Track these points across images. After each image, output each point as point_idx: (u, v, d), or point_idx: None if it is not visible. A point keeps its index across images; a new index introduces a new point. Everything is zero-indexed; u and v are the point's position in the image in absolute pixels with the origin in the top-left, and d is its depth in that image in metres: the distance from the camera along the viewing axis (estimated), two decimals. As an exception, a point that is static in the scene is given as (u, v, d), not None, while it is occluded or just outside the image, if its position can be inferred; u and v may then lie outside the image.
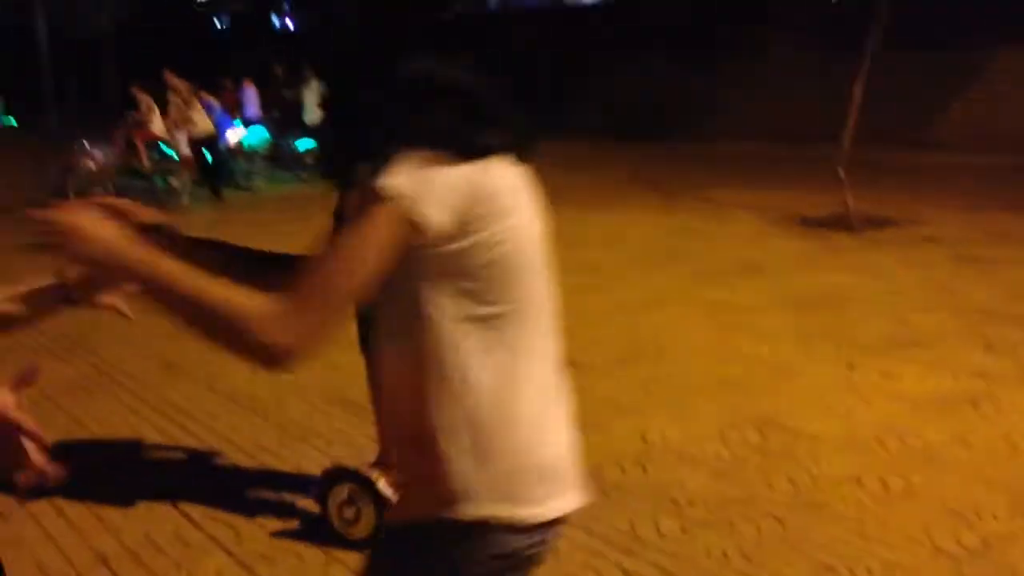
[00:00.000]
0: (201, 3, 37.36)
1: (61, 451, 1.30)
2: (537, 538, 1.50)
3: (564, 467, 1.55)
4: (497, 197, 1.46)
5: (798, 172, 12.55)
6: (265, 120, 13.84)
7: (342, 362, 5.31)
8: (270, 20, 36.85)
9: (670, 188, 12.22)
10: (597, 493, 3.30)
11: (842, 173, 9.14)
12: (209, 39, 31.58)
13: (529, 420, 1.50)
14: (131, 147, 12.23)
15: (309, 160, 13.34)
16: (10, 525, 3.65)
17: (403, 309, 1.47)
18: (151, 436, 4.58)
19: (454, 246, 1.42)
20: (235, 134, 12.89)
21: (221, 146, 12.35)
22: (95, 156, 11.78)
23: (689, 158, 15.48)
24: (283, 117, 14.03)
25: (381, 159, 1.39)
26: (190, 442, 4.48)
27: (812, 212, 9.68)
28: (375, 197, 1.36)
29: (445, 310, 1.45)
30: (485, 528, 1.45)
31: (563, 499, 1.53)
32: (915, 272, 7.31)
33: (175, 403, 5.00)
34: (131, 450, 4.46)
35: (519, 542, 1.48)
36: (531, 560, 1.53)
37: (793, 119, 15.42)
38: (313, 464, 4.08)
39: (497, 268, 1.46)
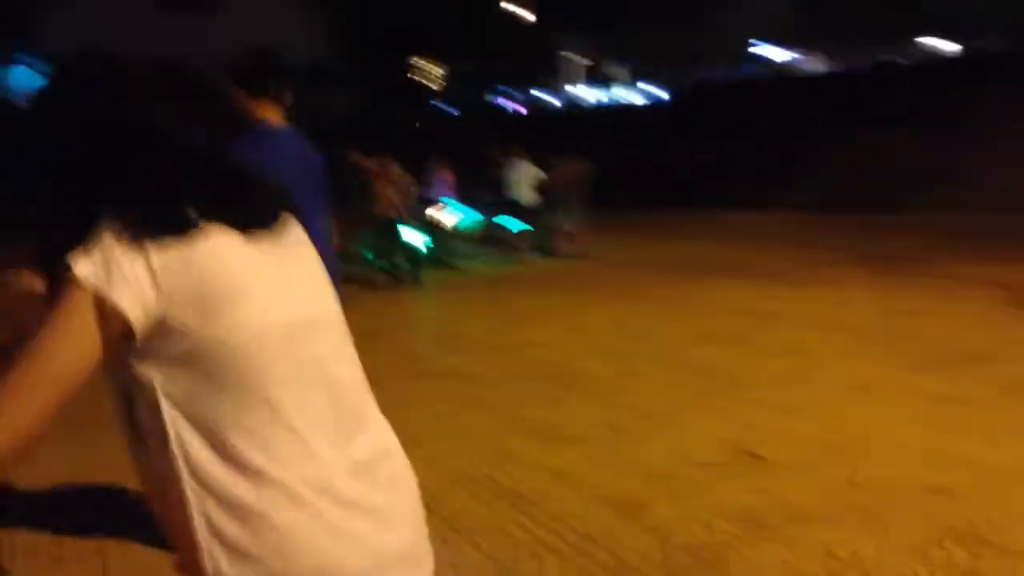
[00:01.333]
0: (428, 94, 39.39)
1: None
2: None
3: (372, 571, 1.40)
4: (214, 280, 1.30)
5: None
6: (477, 201, 14.11)
7: (513, 451, 5.21)
8: (496, 106, 38.42)
9: (896, 264, 11.39)
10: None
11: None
12: (435, 126, 32.97)
13: (290, 523, 1.34)
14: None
15: (520, 239, 13.53)
16: None
17: (144, 404, 1.32)
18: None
19: (173, 341, 1.28)
20: (446, 215, 13.20)
21: (418, 227, 12.59)
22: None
23: (921, 230, 14.45)
24: (495, 198, 14.28)
25: (82, 238, 1.26)
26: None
27: (1060, 291, 8.69)
28: (65, 282, 1.25)
29: (181, 415, 1.31)
30: None
31: None
32: None
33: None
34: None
35: None
36: None
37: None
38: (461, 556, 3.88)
39: (227, 367, 1.31)
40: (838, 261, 12.03)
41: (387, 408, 5.25)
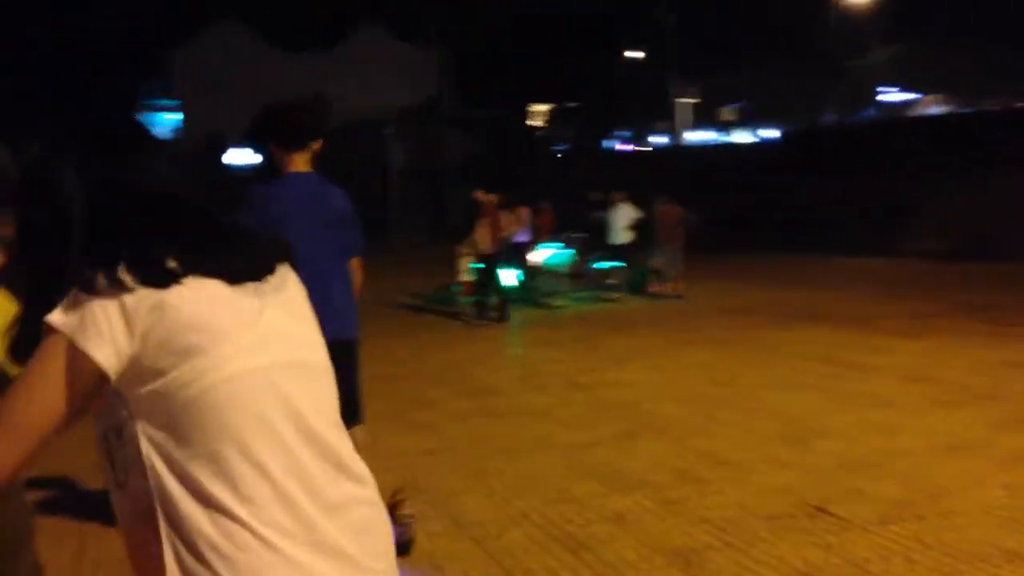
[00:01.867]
0: (540, 136, 39.82)
1: None
2: None
3: None
4: (188, 325, 1.32)
5: None
6: (573, 240, 14.12)
7: (577, 494, 5.16)
8: (607, 148, 38.56)
9: (1005, 316, 10.89)
10: None
11: None
12: (543, 168, 33.19)
13: (256, 565, 1.33)
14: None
15: (613, 279, 13.47)
16: None
17: (124, 453, 1.35)
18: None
19: (148, 384, 1.31)
20: (538, 253, 13.24)
21: (512, 264, 12.64)
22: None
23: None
24: (589, 238, 14.27)
25: (63, 288, 1.31)
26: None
27: None
28: (45, 331, 1.31)
29: (157, 455, 1.33)
30: None
31: None
32: None
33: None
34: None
35: None
36: None
37: None
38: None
39: (199, 409, 1.32)
40: (945, 311, 11.57)
41: (458, 444, 5.33)
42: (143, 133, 1.55)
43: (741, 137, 49.87)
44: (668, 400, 7.35)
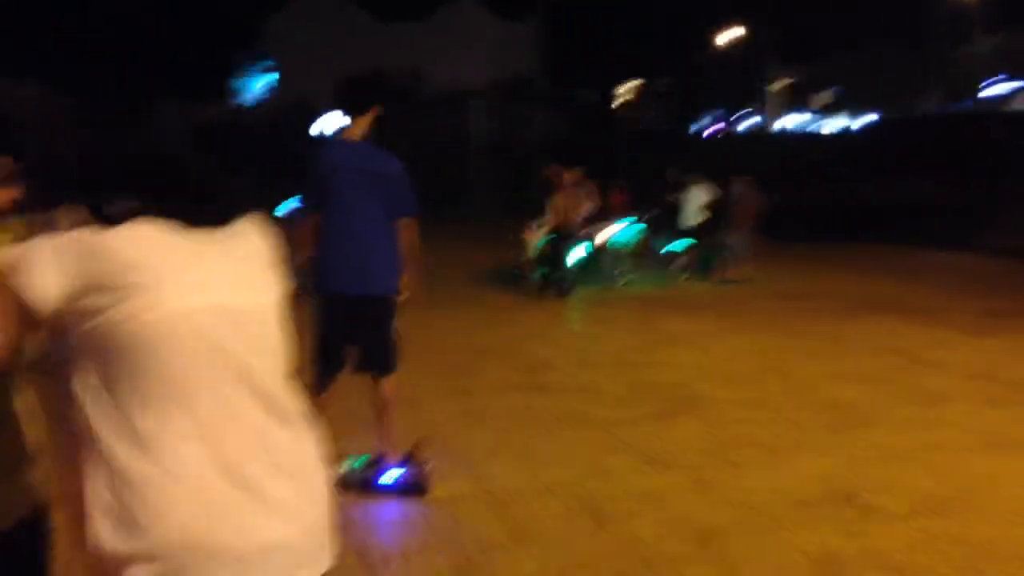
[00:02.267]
0: (626, 116, 39.54)
1: None
2: None
3: (253, 556, 1.45)
4: (125, 271, 1.40)
5: None
6: (644, 217, 14.00)
7: (609, 469, 5.18)
8: (686, 128, 38.12)
9: (1083, 316, 10.52)
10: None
11: None
12: (628, 147, 32.91)
13: (178, 498, 1.41)
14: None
15: (684, 258, 13.37)
16: None
17: (60, 389, 1.44)
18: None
19: (86, 322, 1.39)
20: (607, 231, 13.16)
21: (580, 241, 12.60)
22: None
23: None
24: (662, 217, 14.13)
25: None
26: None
27: None
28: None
29: (90, 390, 1.41)
30: None
31: None
32: None
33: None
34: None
35: None
36: None
37: None
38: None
39: (133, 347, 1.40)
40: (1014, 310, 11.19)
41: (498, 413, 5.42)
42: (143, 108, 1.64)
43: (835, 123, 48.73)
44: (716, 383, 7.29)
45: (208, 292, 1.50)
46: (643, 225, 13.56)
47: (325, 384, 4.68)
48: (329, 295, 4.57)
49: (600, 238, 13.01)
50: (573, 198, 12.44)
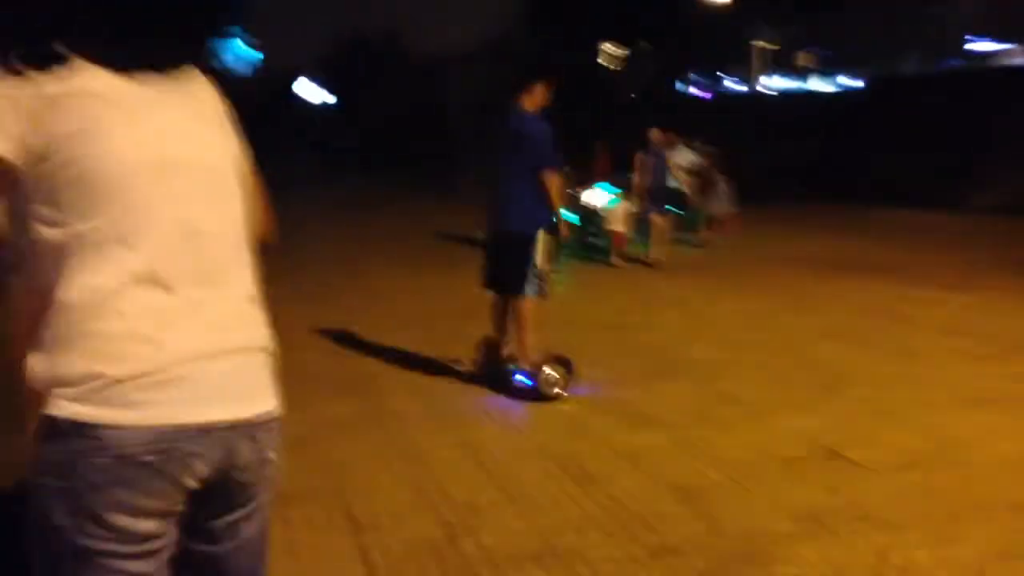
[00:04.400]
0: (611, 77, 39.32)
1: None
2: (155, 444, 1.46)
3: (190, 377, 1.50)
4: (74, 117, 1.42)
5: None
6: (625, 182, 13.97)
7: (593, 429, 5.23)
8: (679, 92, 37.94)
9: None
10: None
11: None
12: (610, 110, 32.80)
13: (121, 333, 1.46)
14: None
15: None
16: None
17: (17, 235, 1.48)
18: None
19: (37, 166, 1.42)
20: (592, 195, 13.13)
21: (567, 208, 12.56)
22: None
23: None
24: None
25: None
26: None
27: None
28: None
29: (41, 233, 1.45)
30: (82, 427, 1.44)
31: (191, 409, 1.50)
32: None
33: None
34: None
35: (125, 444, 1.45)
36: (151, 466, 1.47)
37: None
38: (511, 531, 3.93)
39: (78, 189, 1.43)
40: (992, 267, 11.30)
41: (482, 377, 5.37)
42: None
43: (818, 85, 48.63)
44: (700, 344, 7.35)
45: (155, 144, 1.52)
46: (621, 189, 13.50)
47: None
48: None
49: (584, 202, 12.98)
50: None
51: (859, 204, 19.52)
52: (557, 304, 9.67)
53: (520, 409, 5.63)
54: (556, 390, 5.74)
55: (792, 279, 10.65)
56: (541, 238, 5.84)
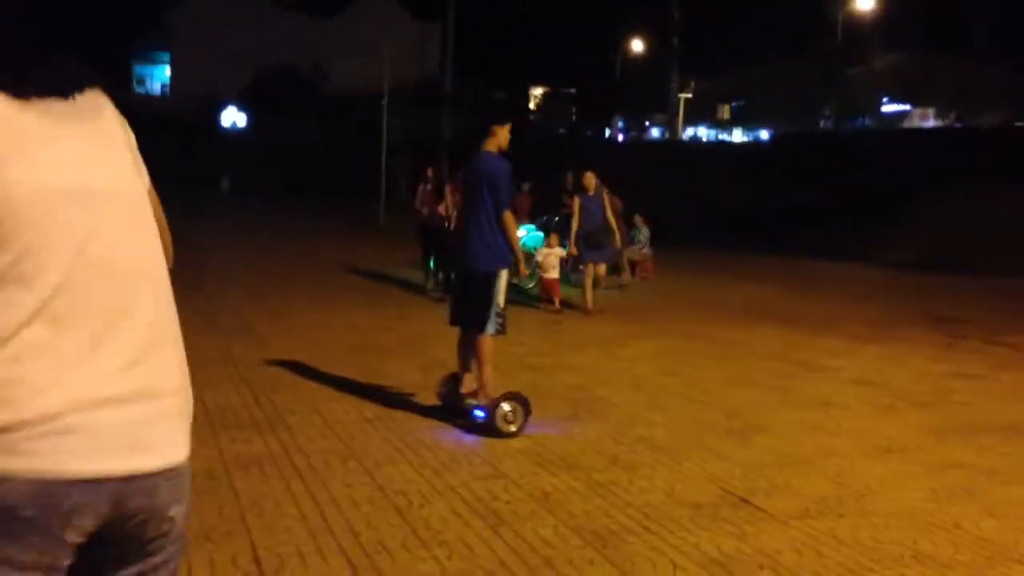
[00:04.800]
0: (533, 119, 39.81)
1: None
2: (37, 497, 1.39)
3: (81, 426, 1.42)
4: None
5: None
6: (545, 223, 14.07)
7: (507, 471, 5.19)
8: (595, 135, 38.58)
9: (962, 327, 11.02)
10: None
11: None
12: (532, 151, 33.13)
13: (10, 379, 1.39)
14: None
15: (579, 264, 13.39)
16: None
17: None
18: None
19: None
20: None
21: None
22: None
23: (1006, 297, 13.91)
24: (564, 222, 14.20)
25: None
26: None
27: None
28: None
29: None
30: None
31: (79, 460, 1.42)
32: None
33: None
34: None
35: (5, 495, 1.37)
36: (32, 519, 1.39)
37: None
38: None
39: None
40: (903, 320, 11.68)
41: (398, 415, 5.42)
42: None
43: (736, 136, 49.91)
44: (616, 387, 7.39)
45: (60, 174, 1.45)
46: (543, 231, 13.59)
47: None
48: None
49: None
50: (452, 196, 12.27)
51: (775, 254, 19.98)
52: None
53: (434, 448, 5.57)
54: (512, 427, 5.85)
55: (710, 325, 10.80)
56: (503, 277, 6.03)
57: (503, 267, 6.05)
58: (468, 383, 6.22)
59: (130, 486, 1.48)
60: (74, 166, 1.48)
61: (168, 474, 1.54)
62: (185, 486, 1.59)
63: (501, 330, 6.11)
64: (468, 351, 6.18)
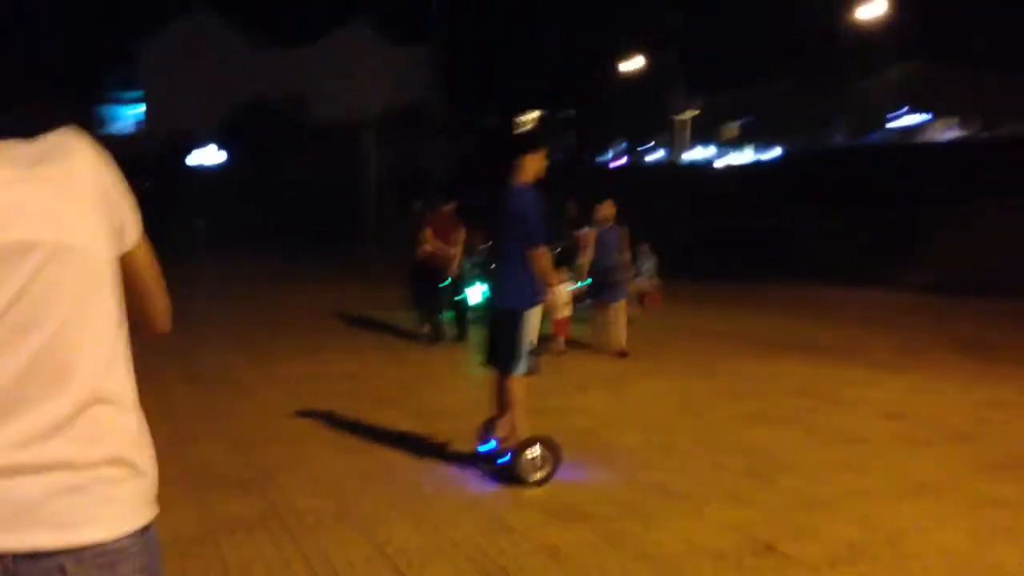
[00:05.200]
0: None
1: None
2: None
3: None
4: None
5: None
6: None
7: (514, 524, 5.13)
8: (592, 161, 38.74)
9: (993, 353, 10.97)
10: None
11: None
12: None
13: None
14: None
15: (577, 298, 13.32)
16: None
17: None
18: None
19: None
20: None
21: (477, 278, 12.46)
22: None
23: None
24: (567, 254, 14.17)
25: None
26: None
27: None
28: None
29: None
30: None
31: None
32: None
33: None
34: None
35: None
36: None
37: None
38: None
39: None
40: (929, 346, 11.66)
41: (396, 468, 5.40)
42: None
43: (743, 156, 50.06)
44: (628, 429, 7.34)
45: (9, 226, 1.40)
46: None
47: None
48: None
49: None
50: (452, 233, 12.19)
51: (788, 281, 19.98)
52: (476, 386, 9.62)
53: (433, 502, 5.51)
54: (537, 475, 5.83)
55: (723, 358, 10.77)
56: (534, 315, 6.04)
57: (533, 305, 6.05)
58: (502, 427, 6.21)
59: (20, 566, 1.39)
60: (16, 217, 1.41)
61: (80, 554, 1.43)
62: (130, 566, 1.48)
63: (535, 370, 6.13)
64: (501, 392, 6.19)
